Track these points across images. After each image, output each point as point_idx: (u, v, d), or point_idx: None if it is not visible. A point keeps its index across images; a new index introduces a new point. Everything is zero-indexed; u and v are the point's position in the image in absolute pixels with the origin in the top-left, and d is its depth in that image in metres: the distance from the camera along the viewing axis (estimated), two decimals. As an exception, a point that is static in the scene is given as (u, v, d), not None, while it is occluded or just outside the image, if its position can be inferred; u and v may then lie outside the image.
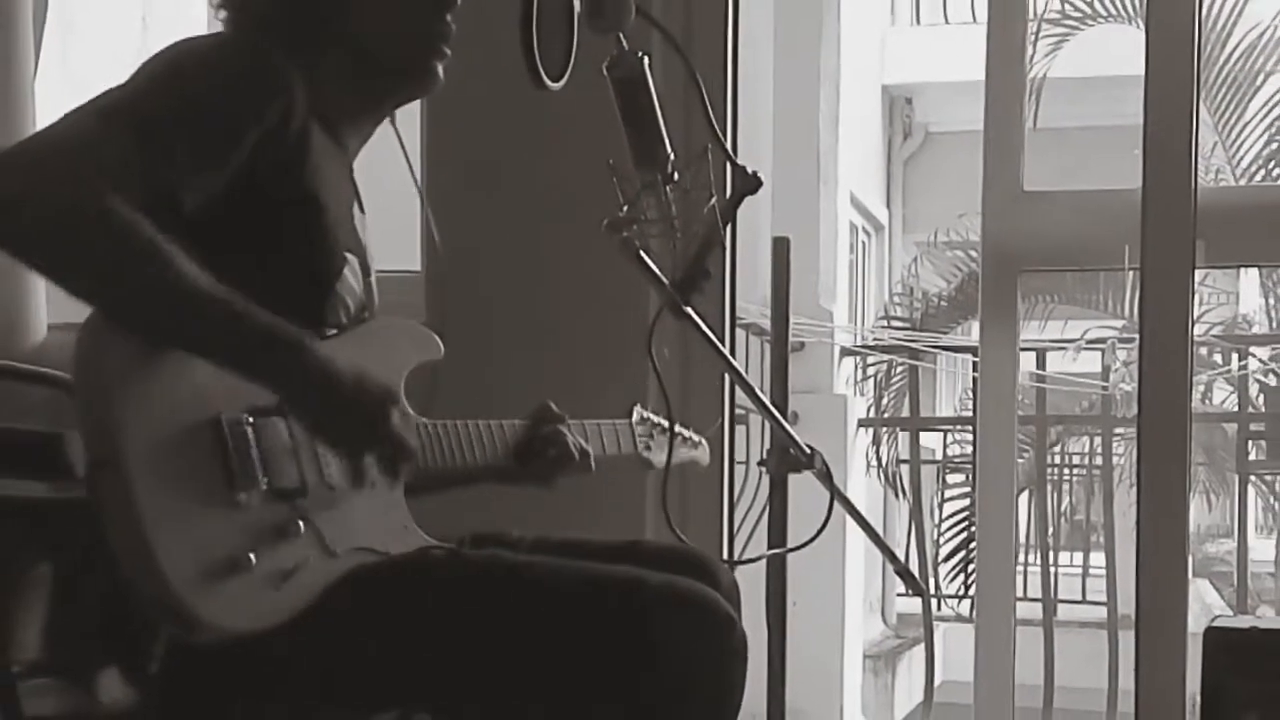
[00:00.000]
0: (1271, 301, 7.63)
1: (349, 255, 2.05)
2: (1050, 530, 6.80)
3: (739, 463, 3.26)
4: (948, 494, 7.49)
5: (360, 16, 2.07)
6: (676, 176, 2.07)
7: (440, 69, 2.13)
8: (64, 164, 1.72)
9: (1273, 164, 7.30)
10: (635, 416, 2.43)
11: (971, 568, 6.81)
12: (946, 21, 11.15)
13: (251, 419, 1.84)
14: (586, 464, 2.29)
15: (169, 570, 1.73)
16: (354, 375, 1.86)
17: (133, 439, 1.75)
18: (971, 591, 6.70)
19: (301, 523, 1.87)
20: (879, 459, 7.65)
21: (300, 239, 1.98)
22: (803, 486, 2.25)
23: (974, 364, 5.33)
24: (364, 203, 2.16)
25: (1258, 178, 7.24)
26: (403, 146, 2.26)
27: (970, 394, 7.67)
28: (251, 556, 1.79)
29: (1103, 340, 6.99)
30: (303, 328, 1.87)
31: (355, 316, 2.08)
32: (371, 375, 1.89)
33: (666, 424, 2.42)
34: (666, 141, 2.06)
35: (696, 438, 2.55)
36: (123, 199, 1.72)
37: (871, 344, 8.49)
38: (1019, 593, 3.68)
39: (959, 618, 7.05)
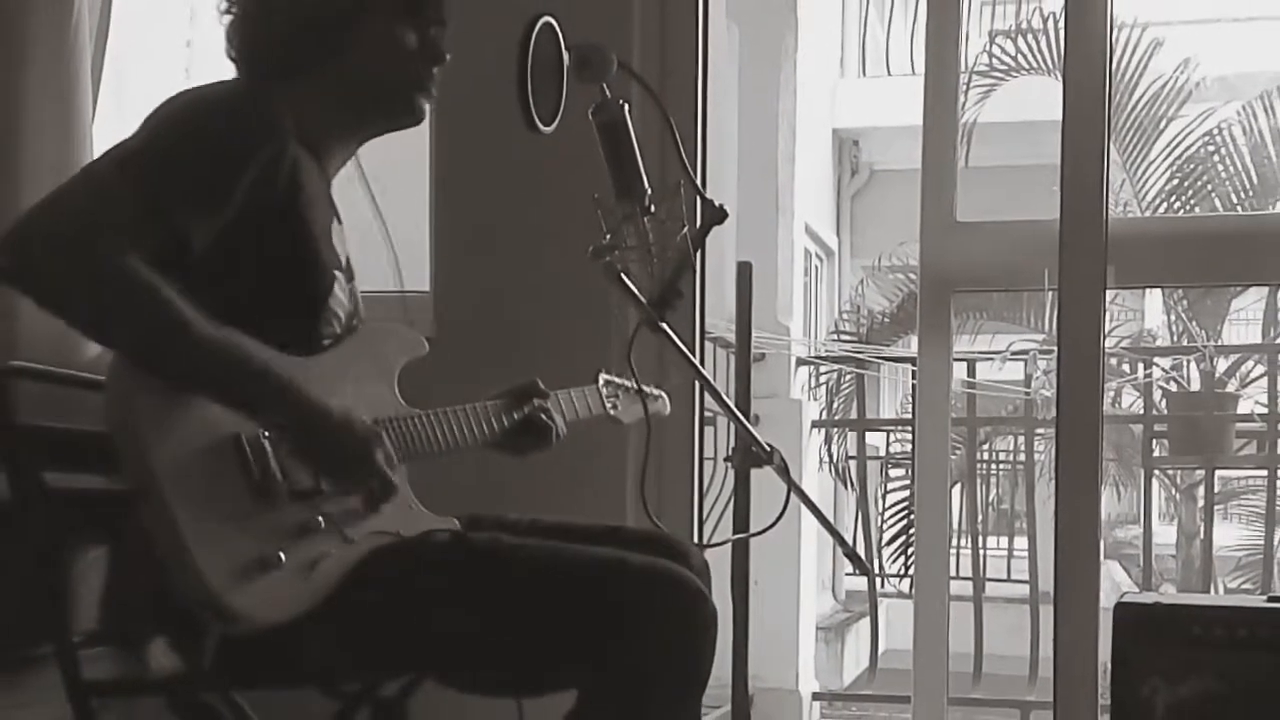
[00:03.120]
0: (1173, 318, 7.63)
1: (336, 272, 2.03)
2: (979, 517, 6.78)
3: (707, 459, 3.26)
4: (890, 486, 7.46)
5: (358, 55, 2.05)
6: (653, 208, 2.07)
7: (426, 108, 2.12)
8: (80, 221, 1.72)
9: (1174, 198, 7.33)
10: (600, 380, 2.43)
11: (911, 550, 6.80)
12: (889, 73, 11.12)
13: (267, 433, 1.83)
14: (557, 437, 2.28)
15: (209, 576, 1.74)
16: (341, 416, 1.85)
17: (163, 465, 1.75)
18: (911, 571, 6.70)
19: (321, 518, 1.87)
20: (830, 456, 7.64)
21: (293, 264, 1.96)
22: (763, 480, 2.26)
23: (913, 372, 5.33)
24: (340, 215, 2.13)
25: (1161, 210, 7.26)
26: (362, 172, 2.27)
27: (910, 399, 7.66)
28: (281, 555, 1.80)
29: (1025, 352, 6.98)
30: (301, 343, 1.87)
31: (347, 325, 2.06)
32: (357, 416, 1.87)
33: (630, 385, 2.41)
34: (644, 178, 2.07)
35: (656, 391, 2.54)
36: (134, 249, 1.71)
37: (823, 355, 8.50)
38: (952, 572, 3.68)
39: (900, 594, 7.04)
